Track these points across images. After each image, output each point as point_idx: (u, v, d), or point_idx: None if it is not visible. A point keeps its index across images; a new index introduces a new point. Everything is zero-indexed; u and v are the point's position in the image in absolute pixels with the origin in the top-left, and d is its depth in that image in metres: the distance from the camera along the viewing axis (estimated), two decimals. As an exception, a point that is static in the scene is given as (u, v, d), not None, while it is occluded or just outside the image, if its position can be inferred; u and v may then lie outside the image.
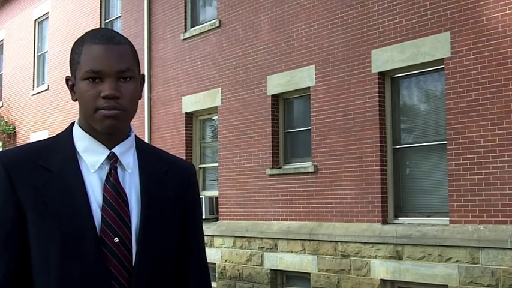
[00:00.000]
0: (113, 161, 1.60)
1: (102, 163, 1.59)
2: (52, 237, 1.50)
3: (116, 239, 1.54)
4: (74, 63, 1.59)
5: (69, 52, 1.64)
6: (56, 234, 1.50)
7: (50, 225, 1.50)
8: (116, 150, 1.61)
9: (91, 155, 1.59)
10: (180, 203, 1.69)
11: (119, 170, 1.61)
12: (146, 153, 1.69)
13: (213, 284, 10.68)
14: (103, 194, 1.56)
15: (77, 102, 1.61)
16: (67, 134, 1.64)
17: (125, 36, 1.58)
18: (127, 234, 1.56)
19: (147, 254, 1.58)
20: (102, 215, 1.54)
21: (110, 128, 1.55)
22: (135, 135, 1.70)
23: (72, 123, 1.66)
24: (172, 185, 1.68)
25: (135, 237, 1.57)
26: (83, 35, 1.62)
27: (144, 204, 1.60)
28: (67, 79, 1.63)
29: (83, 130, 1.62)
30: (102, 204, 1.55)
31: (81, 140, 1.61)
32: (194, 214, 1.75)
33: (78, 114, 1.67)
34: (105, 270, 1.52)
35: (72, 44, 1.63)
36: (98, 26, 14.30)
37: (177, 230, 1.68)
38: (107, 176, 1.58)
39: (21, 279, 1.52)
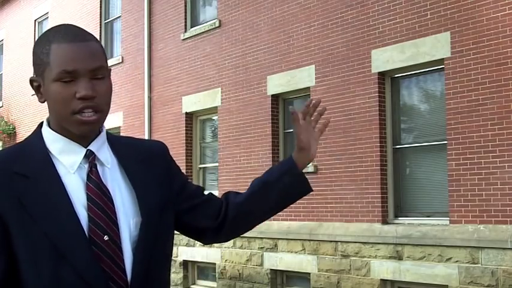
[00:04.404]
0: (91, 158, 1.56)
1: (80, 162, 1.55)
2: (40, 245, 1.45)
3: (106, 237, 1.50)
4: (40, 64, 1.51)
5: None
6: (44, 241, 1.45)
7: (36, 234, 1.46)
8: (92, 147, 1.57)
9: (68, 156, 1.55)
10: (165, 186, 1.67)
11: (98, 166, 1.57)
12: (119, 144, 1.66)
13: (213, 284, 10.67)
14: (87, 193, 1.52)
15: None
16: (37, 138, 1.58)
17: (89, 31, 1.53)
18: (115, 231, 1.52)
19: (144, 249, 1.55)
20: (88, 214, 1.50)
21: (87, 132, 1.54)
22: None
23: (40, 125, 1.61)
24: (153, 171, 1.67)
25: (128, 234, 1.54)
26: (46, 34, 1.54)
27: (138, 198, 1.58)
28: (32, 80, 1.55)
29: (55, 131, 1.56)
30: (88, 203, 1.51)
31: (55, 142, 1.56)
32: (182, 179, 1.77)
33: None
34: (99, 270, 1.48)
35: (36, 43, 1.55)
36: (98, 26, 14.32)
37: (171, 213, 1.67)
38: (88, 175, 1.55)
39: None
